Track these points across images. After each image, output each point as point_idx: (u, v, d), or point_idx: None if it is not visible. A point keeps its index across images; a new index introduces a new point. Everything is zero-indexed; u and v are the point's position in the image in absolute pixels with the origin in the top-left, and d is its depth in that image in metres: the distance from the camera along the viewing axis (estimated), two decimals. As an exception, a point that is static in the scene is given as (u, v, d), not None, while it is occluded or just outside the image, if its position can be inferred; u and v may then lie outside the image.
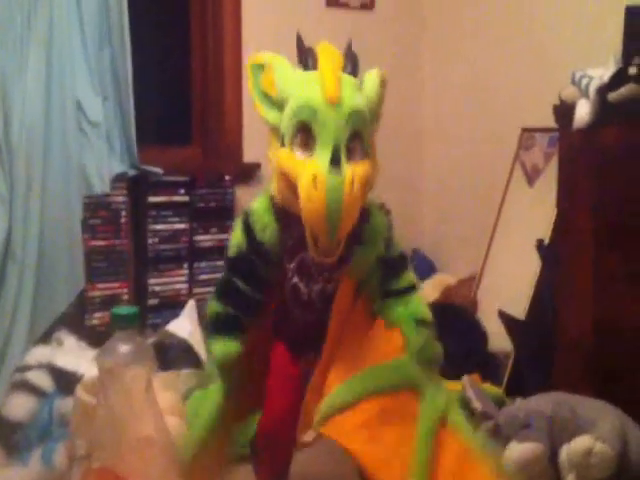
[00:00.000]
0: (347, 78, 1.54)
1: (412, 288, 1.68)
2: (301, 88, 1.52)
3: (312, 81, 1.52)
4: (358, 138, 1.52)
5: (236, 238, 1.66)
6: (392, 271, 1.66)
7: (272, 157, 1.59)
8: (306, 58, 1.57)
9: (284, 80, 1.55)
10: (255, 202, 1.66)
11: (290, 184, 1.51)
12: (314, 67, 1.54)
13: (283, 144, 1.53)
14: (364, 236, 1.61)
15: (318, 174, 1.43)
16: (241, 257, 1.65)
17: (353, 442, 1.50)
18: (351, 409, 1.53)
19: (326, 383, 1.58)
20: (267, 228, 1.62)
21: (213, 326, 1.67)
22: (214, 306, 1.69)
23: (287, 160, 1.51)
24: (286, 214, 1.59)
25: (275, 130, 1.58)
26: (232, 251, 1.67)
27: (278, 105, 1.56)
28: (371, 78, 1.60)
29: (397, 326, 1.62)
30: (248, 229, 1.64)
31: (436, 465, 1.54)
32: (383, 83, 1.61)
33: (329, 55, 1.54)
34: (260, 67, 1.60)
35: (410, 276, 1.69)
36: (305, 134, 1.49)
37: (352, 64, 1.58)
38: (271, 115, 1.58)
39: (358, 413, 1.52)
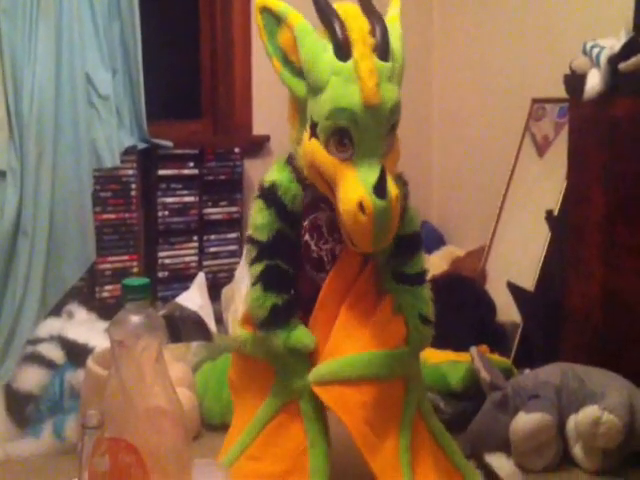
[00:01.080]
0: (381, 67, 1.45)
1: (423, 276, 1.65)
2: (337, 85, 1.44)
3: (348, 77, 1.44)
4: (392, 130, 1.51)
5: (262, 218, 1.59)
6: (405, 250, 1.63)
7: (294, 134, 1.57)
8: (331, 21, 1.46)
9: (314, 60, 1.46)
10: (273, 175, 1.60)
11: (322, 177, 1.50)
12: (342, 39, 1.44)
13: (313, 133, 1.48)
14: None
15: (365, 201, 1.41)
16: (275, 236, 1.59)
17: (353, 419, 1.53)
18: (353, 386, 1.54)
19: (326, 343, 1.59)
20: (297, 197, 1.59)
21: (274, 320, 1.59)
22: (266, 300, 1.59)
23: (322, 158, 1.47)
24: (301, 176, 1.58)
25: (298, 101, 1.54)
26: (262, 234, 1.59)
27: (303, 75, 1.49)
28: (395, 31, 1.53)
29: (404, 314, 1.61)
30: (277, 203, 1.59)
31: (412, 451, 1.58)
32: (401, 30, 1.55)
33: (360, 36, 1.44)
34: (273, 16, 1.50)
35: (421, 261, 1.66)
36: (342, 136, 1.45)
37: (380, 28, 1.48)
38: (295, 83, 1.51)
39: (358, 393, 1.54)
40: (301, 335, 1.58)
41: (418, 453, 1.58)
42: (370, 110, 1.43)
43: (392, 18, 1.56)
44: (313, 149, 1.49)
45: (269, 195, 1.59)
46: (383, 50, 1.46)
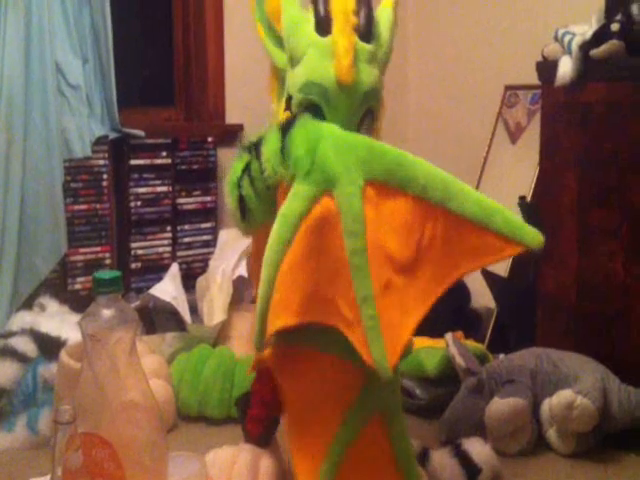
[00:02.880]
0: (362, 48, 1.43)
1: None
2: (313, 59, 1.42)
3: (325, 52, 1.41)
4: (369, 115, 1.48)
5: (240, 160, 1.51)
6: None
7: (274, 107, 1.56)
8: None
9: (294, 30, 1.45)
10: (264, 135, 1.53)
11: None
12: (324, 14, 1.42)
13: (288, 107, 1.46)
14: None
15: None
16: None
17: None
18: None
19: None
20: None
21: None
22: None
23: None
24: None
25: (278, 73, 1.53)
26: (236, 170, 1.51)
27: (283, 44, 1.49)
28: (385, 16, 1.50)
29: None
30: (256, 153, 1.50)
31: (356, 457, 1.52)
32: (396, 18, 1.51)
33: (343, 14, 1.41)
34: None
35: None
36: (314, 114, 1.43)
37: (366, 9, 1.44)
38: (276, 53, 1.51)
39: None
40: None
41: (360, 455, 1.53)
42: (343, 89, 1.40)
43: (386, 3, 1.53)
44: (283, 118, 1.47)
45: (253, 146, 1.51)
46: (365, 31, 1.44)
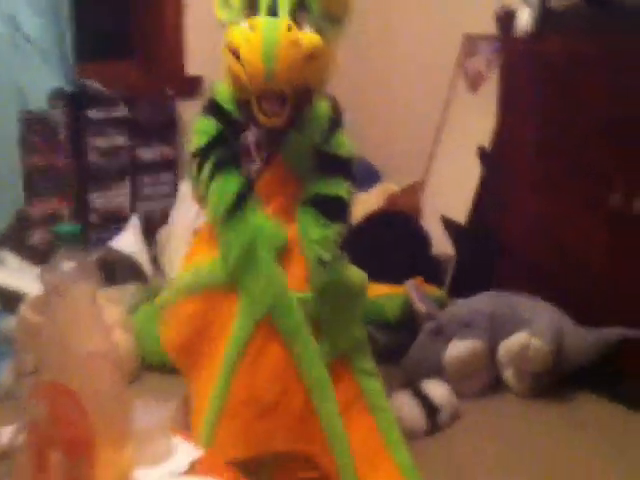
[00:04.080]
0: None
1: (336, 204, 1.59)
2: None
3: None
4: (304, 8, 1.51)
5: (202, 125, 1.61)
6: (325, 167, 1.59)
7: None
8: None
9: None
10: (215, 85, 1.64)
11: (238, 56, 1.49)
12: None
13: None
14: (302, 120, 1.58)
15: (256, 21, 1.47)
16: (214, 139, 1.59)
17: None
18: None
19: None
20: (231, 99, 1.59)
21: (240, 202, 1.55)
22: (227, 184, 1.56)
23: (236, 32, 1.49)
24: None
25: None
26: (202, 139, 1.60)
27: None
28: None
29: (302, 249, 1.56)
30: (214, 109, 1.60)
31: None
32: None
33: None
34: None
35: (339, 187, 1.60)
36: (249, 6, 1.50)
37: None
38: (223, 14, 1.55)
39: None
40: (263, 222, 1.56)
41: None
42: None
43: None
44: (231, 34, 1.51)
45: (209, 106, 1.61)
46: None
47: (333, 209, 1.58)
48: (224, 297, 1.58)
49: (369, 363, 1.64)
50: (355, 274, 1.64)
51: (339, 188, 1.59)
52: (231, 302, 1.57)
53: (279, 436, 1.57)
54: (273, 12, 1.50)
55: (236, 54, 1.48)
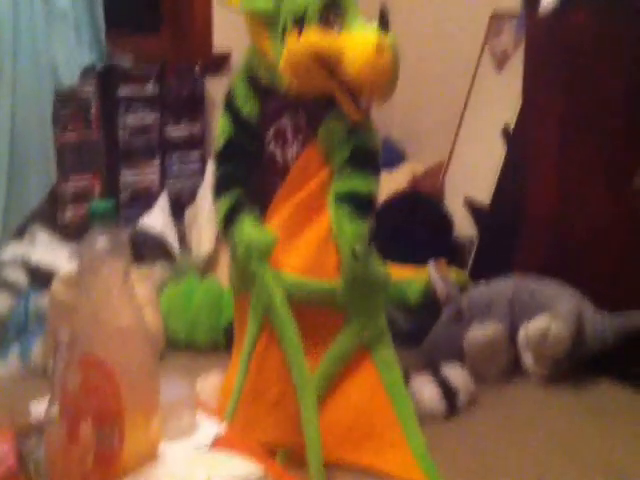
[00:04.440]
0: None
1: (367, 201, 1.63)
2: None
3: None
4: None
5: (222, 126, 1.68)
6: (357, 162, 1.63)
7: (271, 56, 1.59)
8: None
9: None
10: (234, 83, 1.68)
11: (325, 64, 1.53)
12: None
13: (296, 26, 1.53)
14: (338, 106, 1.62)
15: (380, 41, 1.50)
16: (228, 143, 1.67)
17: None
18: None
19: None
20: (248, 100, 1.65)
21: (231, 220, 1.64)
22: (222, 204, 1.66)
23: (321, 40, 1.52)
24: (263, 88, 1.62)
25: (266, 19, 1.57)
26: (219, 144, 1.69)
27: None
28: None
29: (338, 244, 1.61)
30: (231, 108, 1.66)
31: (341, 389, 1.64)
32: None
33: None
34: None
35: (371, 184, 1.64)
36: (331, 10, 1.53)
37: None
38: (258, 3, 1.57)
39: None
40: (261, 232, 1.61)
41: (349, 394, 1.64)
42: None
43: None
44: (308, 40, 1.52)
45: (227, 102, 1.68)
46: None
47: (365, 205, 1.62)
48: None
49: (390, 354, 1.68)
50: (381, 268, 1.68)
51: (369, 184, 1.64)
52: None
53: (280, 431, 1.63)
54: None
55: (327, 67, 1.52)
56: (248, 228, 1.61)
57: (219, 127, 1.70)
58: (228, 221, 1.64)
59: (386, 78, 1.53)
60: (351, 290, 1.61)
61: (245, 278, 1.63)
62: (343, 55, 1.51)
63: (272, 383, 1.63)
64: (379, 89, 1.56)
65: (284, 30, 1.55)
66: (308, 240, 1.62)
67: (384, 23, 1.53)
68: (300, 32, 1.53)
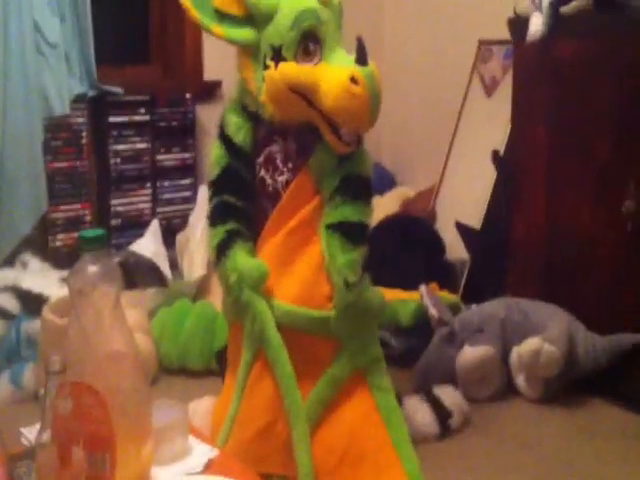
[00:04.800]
0: None
1: (360, 229, 1.62)
2: None
3: None
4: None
5: (215, 156, 1.68)
6: (350, 189, 1.62)
7: (253, 84, 1.59)
8: None
9: None
10: (226, 113, 1.69)
11: (300, 94, 1.54)
12: None
13: (273, 59, 1.54)
14: None
15: (355, 73, 1.49)
16: (224, 172, 1.67)
17: None
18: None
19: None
20: (240, 129, 1.65)
21: (225, 249, 1.63)
22: (217, 233, 1.65)
23: (297, 72, 1.53)
24: (254, 115, 1.63)
25: (249, 48, 1.59)
26: (214, 173, 1.68)
27: (245, 21, 1.56)
28: None
29: (330, 274, 1.60)
30: (224, 137, 1.67)
31: (336, 414, 1.62)
32: None
33: None
34: None
35: (364, 212, 1.64)
36: (309, 41, 1.53)
37: None
38: (240, 33, 1.57)
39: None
40: (254, 263, 1.60)
41: (343, 419, 1.63)
42: (326, 3, 1.56)
43: None
44: (284, 71, 1.54)
45: (219, 132, 1.68)
46: None
47: (357, 234, 1.62)
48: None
49: (384, 379, 1.68)
50: (375, 295, 1.67)
51: (361, 212, 1.63)
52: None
53: (270, 459, 1.63)
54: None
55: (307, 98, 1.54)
56: (241, 258, 1.61)
57: (213, 156, 1.69)
58: (221, 252, 1.64)
59: (362, 110, 1.52)
60: (344, 318, 1.61)
61: (238, 308, 1.63)
62: (319, 86, 1.52)
63: (265, 411, 1.63)
64: (356, 120, 1.54)
65: (265, 60, 1.57)
66: (300, 269, 1.62)
67: (361, 55, 1.52)
68: (278, 62, 1.54)
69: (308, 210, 1.63)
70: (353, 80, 1.49)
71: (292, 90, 1.54)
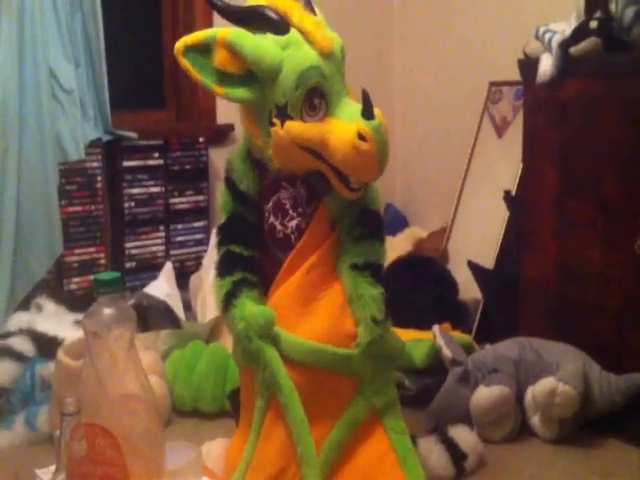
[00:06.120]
0: (318, 19, 1.57)
1: (377, 268, 1.64)
2: (292, 55, 1.52)
3: (298, 43, 1.53)
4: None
5: (222, 202, 1.69)
6: (366, 226, 1.63)
7: (260, 142, 1.59)
8: (257, 12, 1.54)
9: (260, 51, 1.52)
10: (232, 159, 1.69)
11: (309, 150, 1.54)
12: (277, 16, 1.53)
13: (279, 115, 1.54)
14: None
15: (361, 129, 1.49)
16: (230, 218, 1.68)
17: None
18: (291, 366, 1.60)
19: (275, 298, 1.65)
20: (244, 177, 1.66)
21: (231, 299, 1.63)
22: (224, 284, 1.65)
23: (303, 130, 1.53)
24: (261, 162, 1.63)
25: (252, 109, 1.59)
26: (222, 217, 1.69)
27: (246, 79, 1.55)
28: None
29: (355, 311, 1.60)
30: (230, 183, 1.68)
31: (352, 457, 1.61)
32: None
33: (289, 5, 1.54)
34: (198, 49, 1.54)
35: (378, 251, 1.65)
36: (314, 97, 1.53)
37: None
38: (241, 92, 1.56)
39: (294, 374, 1.59)
40: (262, 311, 1.60)
41: (359, 462, 1.62)
42: (329, 57, 1.54)
43: None
44: (291, 130, 1.53)
45: (226, 178, 1.69)
46: (310, 6, 1.58)
47: (378, 273, 1.63)
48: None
49: (400, 422, 1.67)
50: (395, 337, 1.69)
51: (380, 252, 1.65)
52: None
53: None
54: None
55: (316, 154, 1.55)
56: (248, 306, 1.61)
57: (219, 202, 1.70)
58: (228, 302, 1.64)
59: (370, 163, 1.52)
60: (367, 357, 1.61)
61: (247, 355, 1.63)
62: (327, 143, 1.52)
63: (278, 456, 1.61)
64: (364, 173, 1.55)
65: (270, 117, 1.56)
66: (323, 306, 1.62)
67: (368, 108, 1.52)
68: (284, 120, 1.54)
69: (326, 247, 1.64)
70: (360, 137, 1.49)
71: (299, 147, 1.55)
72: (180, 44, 1.53)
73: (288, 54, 1.52)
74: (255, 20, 1.55)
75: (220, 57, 1.54)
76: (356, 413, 1.62)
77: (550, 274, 2.43)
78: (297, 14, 1.54)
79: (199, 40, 1.54)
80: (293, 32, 1.53)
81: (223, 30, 1.54)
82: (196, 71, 1.54)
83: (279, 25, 1.53)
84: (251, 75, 1.55)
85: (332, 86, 1.54)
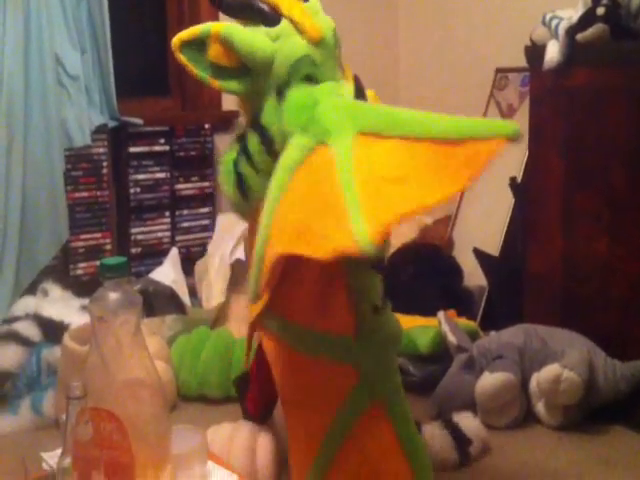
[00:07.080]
0: (307, 6, 1.55)
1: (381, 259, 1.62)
2: (283, 46, 1.51)
3: (289, 33, 1.52)
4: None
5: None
6: None
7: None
8: (247, 4, 1.54)
9: (251, 43, 1.52)
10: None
11: None
12: (267, 8, 1.53)
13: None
14: None
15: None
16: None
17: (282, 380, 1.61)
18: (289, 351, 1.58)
19: None
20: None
21: None
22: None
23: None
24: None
25: (247, 97, 1.60)
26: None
27: (241, 72, 1.55)
28: None
29: (354, 300, 1.56)
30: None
31: (356, 444, 1.58)
32: None
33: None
34: (193, 44, 1.54)
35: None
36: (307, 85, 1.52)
37: None
38: (236, 84, 1.56)
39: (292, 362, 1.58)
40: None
41: (361, 442, 1.59)
42: (319, 44, 1.52)
43: None
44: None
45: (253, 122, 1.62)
46: None
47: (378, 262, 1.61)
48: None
49: (404, 408, 1.67)
50: (395, 322, 1.67)
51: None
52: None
53: None
54: None
55: None
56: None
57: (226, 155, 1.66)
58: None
59: None
60: (368, 344, 1.59)
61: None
62: None
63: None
64: None
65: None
66: (315, 291, 1.61)
67: (359, 91, 1.52)
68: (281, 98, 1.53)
69: None
70: None
71: None
72: (176, 40, 1.54)
73: (279, 46, 1.52)
74: (248, 12, 1.56)
75: (214, 51, 1.55)
76: (358, 401, 1.62)
77: (556, 265, 2.42)
78: (287, 5, 1.53)
79: (194, 35, 1.55)
80: (284, 23, 1.53)
81: (217, 24, 1.55)
82: (193, 65, 1.55)
83: (270, 17, 1.53)
84: (245, 68, 1.55)
85: (325, 72, 1.53)
